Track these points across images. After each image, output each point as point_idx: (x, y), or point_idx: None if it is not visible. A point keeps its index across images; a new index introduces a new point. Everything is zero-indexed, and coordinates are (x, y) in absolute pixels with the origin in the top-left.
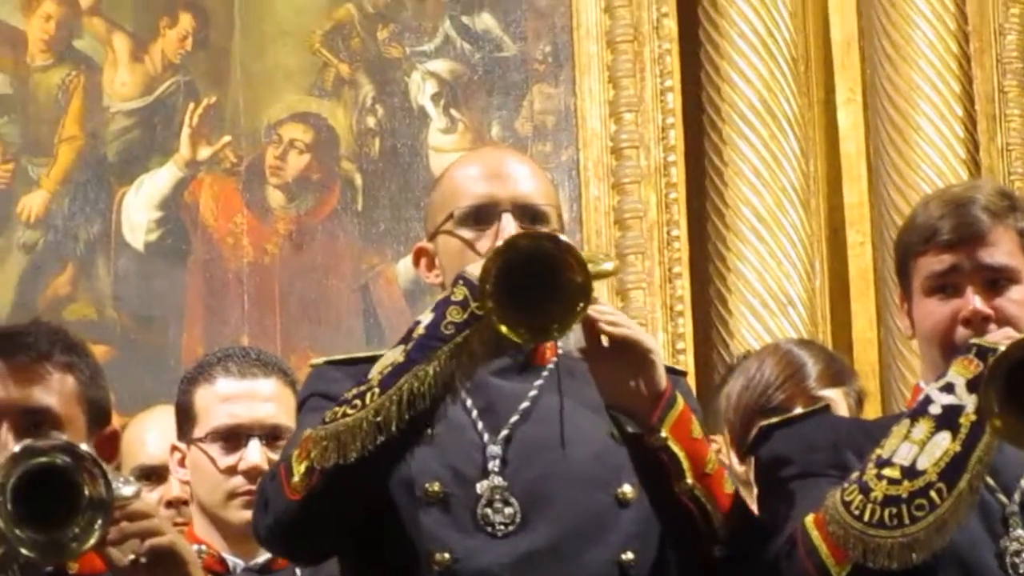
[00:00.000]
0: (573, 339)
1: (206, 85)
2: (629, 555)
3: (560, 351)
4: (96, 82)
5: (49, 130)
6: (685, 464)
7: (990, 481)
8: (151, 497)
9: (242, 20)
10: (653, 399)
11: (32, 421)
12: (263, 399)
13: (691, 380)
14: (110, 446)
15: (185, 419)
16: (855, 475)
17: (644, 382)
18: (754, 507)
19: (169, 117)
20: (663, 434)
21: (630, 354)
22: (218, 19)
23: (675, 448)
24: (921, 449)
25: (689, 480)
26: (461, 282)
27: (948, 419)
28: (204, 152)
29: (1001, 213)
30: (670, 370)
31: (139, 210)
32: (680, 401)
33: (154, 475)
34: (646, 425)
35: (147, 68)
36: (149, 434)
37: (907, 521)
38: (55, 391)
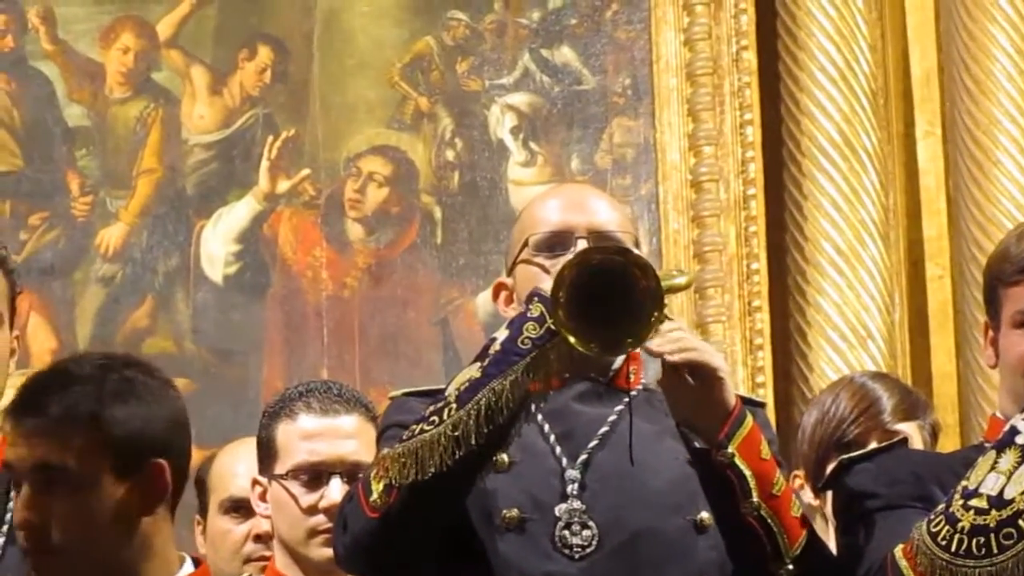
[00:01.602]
0: (654, 371)
1: (285, 118)
2: None
3: (643, 381)
4: (174, 115)
5: (127, 163)
6: (752, 483)
7: None
8: (240, 530)
9: (321, 53)
10: (722, 416)
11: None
12: (345, 436)
13: (771, 414)
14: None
15: (266, 454)
16: (941, 507)
17: (713, 399)
18: (828, 541)
19: (247, 150)
20: (730, 450)
21: (697, 374)
22: (297, 52)
23: (742, 466)
24: (1008, 479)
25: (755, 499)
26: (536, 299)
27: None
28: (283, 185)
29: None
30: (748, 401)
31: (217, 243)
32: (749, 420)
33: (243, 508)
34: (714, 441)
35: (225, 101)
36: (240, 466)
37: (995, 551)
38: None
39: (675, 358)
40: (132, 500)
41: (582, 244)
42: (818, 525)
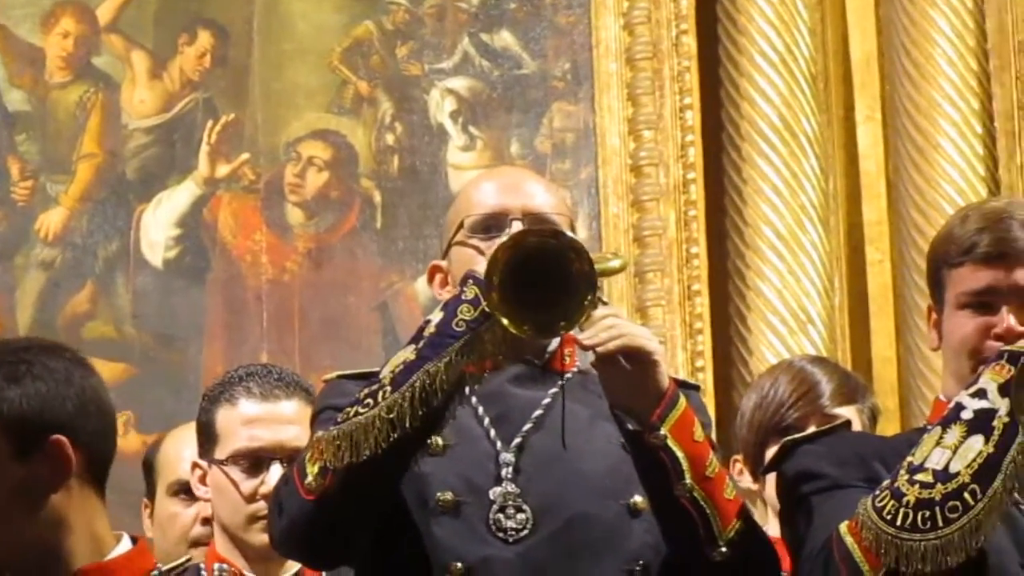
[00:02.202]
0: (591, 355)
1: (225, 103)
2: (640, 564)
3: (578, 363)
4: (115, 99)
5: (68, 148)
6: (685, 464)
7: (1015, 495)
8: (188, 513)
9: (261, 38)
10: (655, 399)
11: None
12: (285, 421)
13: (710, 398)
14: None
15: (207, 438)
16: (887, 482)
17: (646, 382)
18: (766, 525)
19: (188, 135)
20: (663, 432)
21: (631, 358)
22: (237, 36)
23: (675, 447)
24: (954, 453)
25: (688, 481)
26: (471, 281)
27: (981, 423)
28: (223, 170)
29: None
30: (682, 383)
31: (158, 228)
32: (683, 402)
33: (191, 491)
34: (647, 423)
35: (166, 85)
36: (187, 450)
37: (941, 523)
38: None
39: (606, 347)
40: (36, 478)
41: (517, 226)
42: (757, 509)
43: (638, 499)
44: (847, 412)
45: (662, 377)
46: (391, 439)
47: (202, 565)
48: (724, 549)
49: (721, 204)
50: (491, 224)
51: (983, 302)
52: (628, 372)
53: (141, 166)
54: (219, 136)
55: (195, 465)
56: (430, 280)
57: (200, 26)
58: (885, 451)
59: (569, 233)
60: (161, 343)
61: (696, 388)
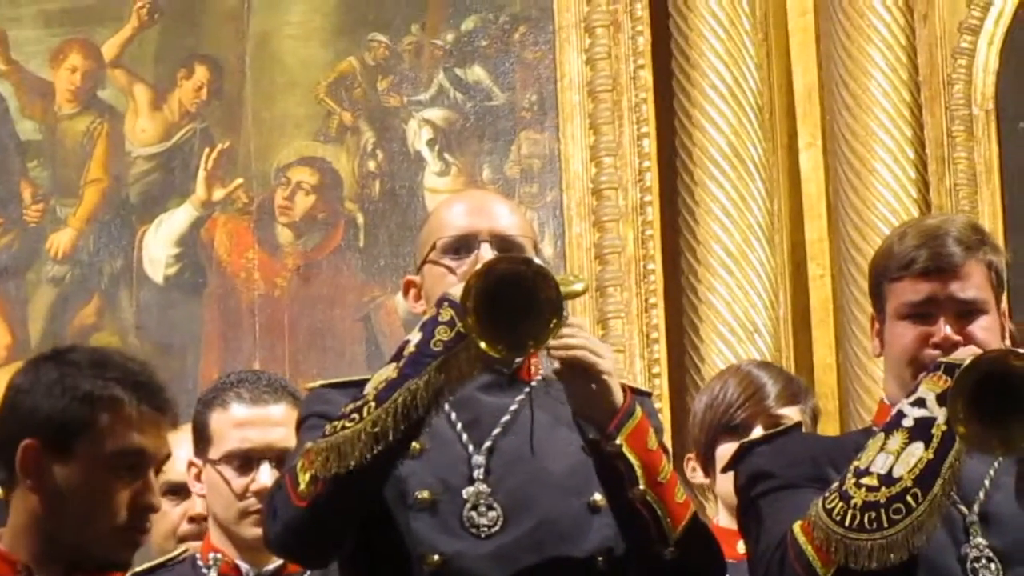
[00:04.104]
0: (552, 362)
1: (220, 132)
2: (601, 557)
3: (543, 370)
4: (119, 129)
5: (76, 173)
6: (639, 471)
7: (953, 496)
8: (176, 511)
9: (253, 72)
10: (611, 411)
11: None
12: (274, 424)
13: (665, 401)
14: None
15: (201, 439)
16: (835, 485)
17: (601, 396)
18: (720, 518)
19: (186, 161)
20: (619, 442)
21: (586, 372)
22: (231, 71)
23: (630, 456)
24: (896, 458)
25: (642, 486)
26: (447, 303)
27: (921, 431)
28: (218, 193)
29: (973, 246)
30: (636, 391)
31: (159, 247)
32: (638, 413)
33: (180, 491)
34: (604, 433)
35: (166, 116)
36: (178, 451)
37: (886, 524)
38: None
39: (562, 354)
40: None
41: (485, 247)
42: (708, 502)
43: (598, 497)
44: (791, 412)
45: (614, 392)
46: (375, 450)
47: (198, 555)
48: (673, 548)
49: (675, 224)
50: (461, 245)
51: (921, 313)
52: (586, 385)
53: (143, 190)
54: (215, 162)
55: (191, 464)
56: (405, 294)
57: (197, 61)
58: (834, 452)
59: (537, 260)
60: (161, 352)
61: (648, 395)
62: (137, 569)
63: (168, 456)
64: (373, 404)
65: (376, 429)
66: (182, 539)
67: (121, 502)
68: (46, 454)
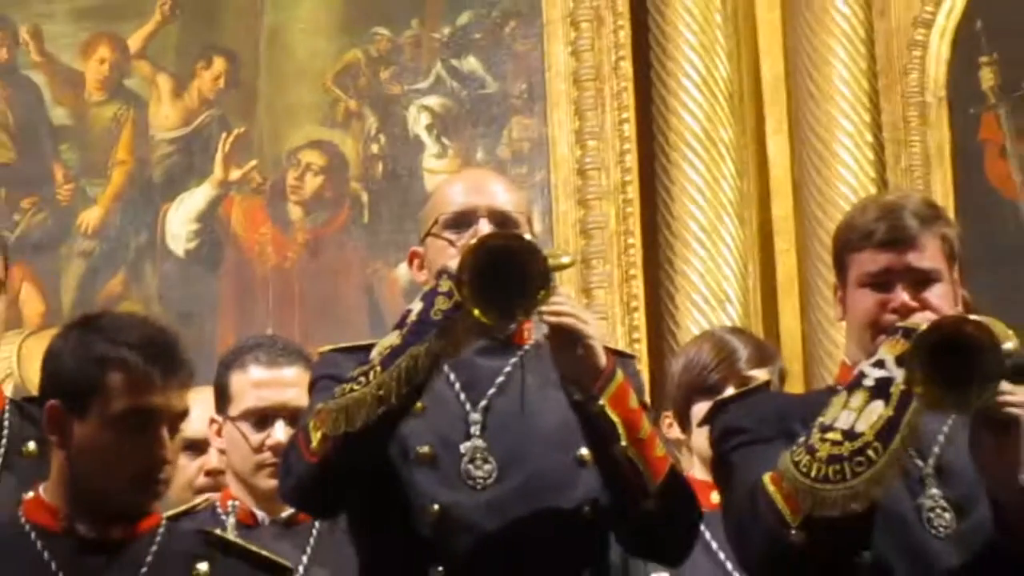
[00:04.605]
0: (543, 328)
1: (236, 118)
2: (587, 507)
3: (535, 336)
4: (143, 115)
5: (104, 156)
6: (621, 429)
7: (910, 450)
8: (193, 465)
9: (266, 63)
10: (594, 374)
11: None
12: (288, 385)
13: (644, 364)
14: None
15: (221, 397)
16: (802, 439)
17: (586, 360)
18: (695, 471)
19: (205, 145)
20: (601, 402)
21: (573, 337)
22: (246, 62)
23: (612, 415)
24: (859, 415)
25: (624, 443)
26: (445, 275)
27: (881, 390)
28: (235, 174)
29: (928, 220)
30: (620, 353)
31: (180, 223)
32: (619, 376)
33: (196, 447)
34: (588, 395)
35: (186, 103)
36: (194, 411)
37: (849, 476)
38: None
39: (551, 319)
40: None
41: (483, 223)
42: (683, 456)
43: (584, 452)
44: (760, 374)
45: (598, 357)
46: (380, 411)
47: (218, 503)
48: (653, 499)
49: (653, 202)
50: (461, 221)
51: (881, 281)
52: (572, 350)
53: (166, 171)
54: (231, 146)
55: (212, 420)
56: (410, 263)
57: (215, 53)
58: (800, 409)
59: (528, 236)
60: (182, 320)
61: (632, 357)
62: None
63: (185, 413)
64: (379, 369)
65: (381, 392)
66: (199, 491)
67: (135, 457)
68: (67, 413)
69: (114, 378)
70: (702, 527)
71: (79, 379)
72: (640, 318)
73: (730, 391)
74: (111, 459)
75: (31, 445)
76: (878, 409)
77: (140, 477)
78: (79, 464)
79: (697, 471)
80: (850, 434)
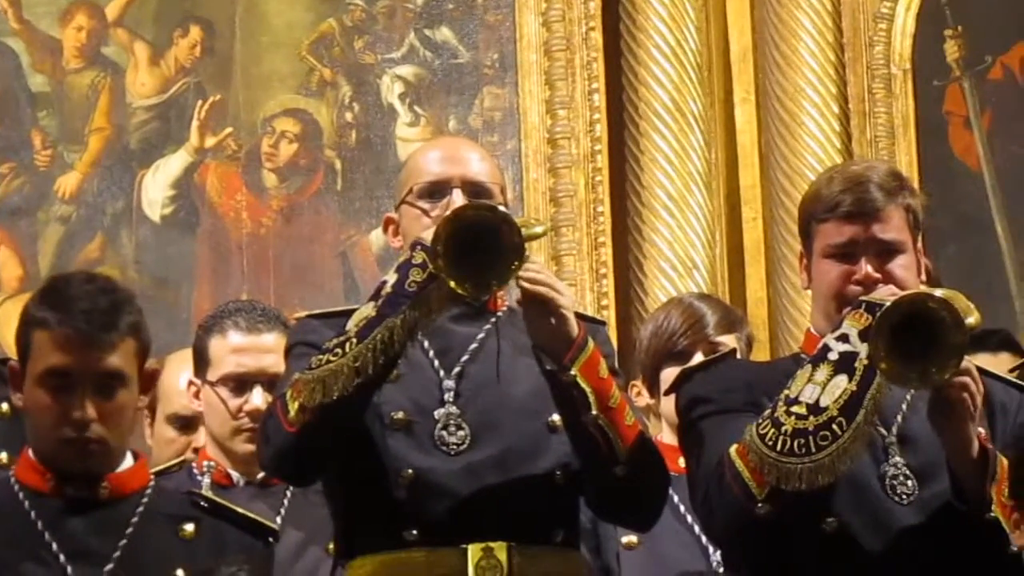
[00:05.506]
0: (516, 293)
1: (212, 86)
2: (559, 472)
3: (508, 301)
4: (120, 83)
5: (81, 122)
6: (592, 398)
7: (875, 422)
8: (182, 440)
9: (242, 32)
10: (566, 343)
11: (106, 382)
12: (267, 351)
13: (613, 330)
14: (150, 382)
15: (200, 361)
16: (768, 412)
17: (558, 330)
18: (663, 435)
19: (181, 112)
20: (573, 372)
21: (546, 307)
22: (222, 31)
23: (583, 384)
24: (823, 389)
25: (594, 411)
26: (419, 247)
27: (845, 364)
28: (210, 141)
29: (893, 192)
30: (591, 319)
31: (156, 189)
32: (591, 345)
33: (188, 424)
34: (560, 364)
35: (163, 71)
36: (183, 381)
37: (814, 450)
38: (122, 355)
39: (527, 287)
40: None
41: (457, 193)
42: (652, 422)
43: (555, 418)
44: (728, 340)
45: (571, 327)
46: (356, 382)
47: (194, 464)
48: (623, 465)
49: (622, 171)
50: (435, 190)
51: (845, 253)
52: (546, 319)
53: (142, 138)
54: (207, 113)
55: (191, 383)
56: (385, 229)
57: (192, 22)
58: (766, 377)
59: (501, 208)
60: (158, 285)
61: (603, 324)
62: None
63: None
64: (355, 340)
65: (357, 363)
66: None
67: (61, 417)
68: (22, 375)
69: (37, 338)
70: (671, 491)
71: (19, 340)
72: (609, 285)
73: (698, 357)
74: (42, 419)
75: (3, 406)
76: (842, 383)
77: (68, 438)
78: (27, 424)
79: (666, 436)
80: (815, 408)
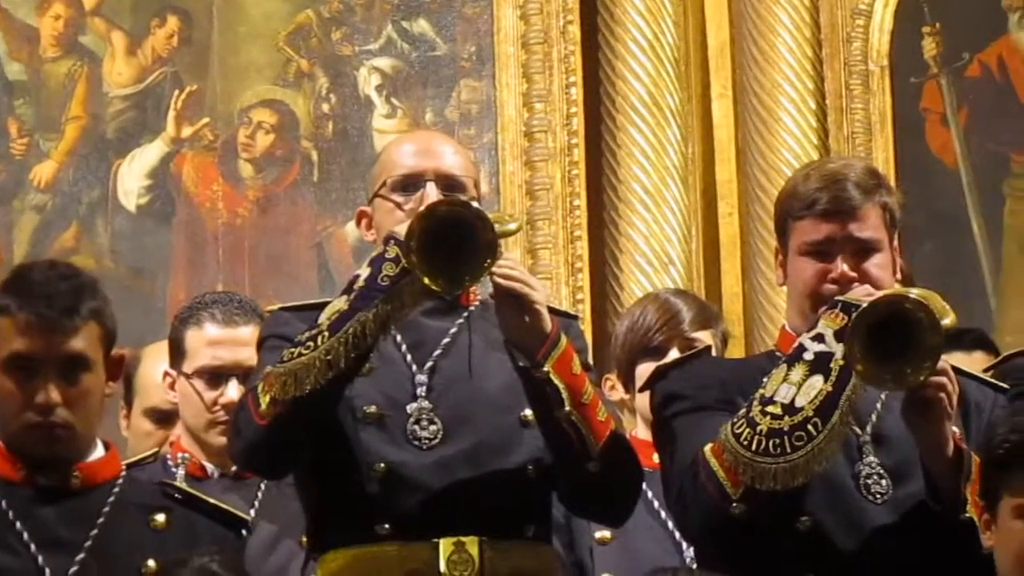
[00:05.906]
0: (489, 287)
1: (189, 76)
2: (531, 466)
3: (480, 297)
4: (97, 72)
5: (58, 111)
6: (565, 394)
7: (850, 422)
8: (159, 434)
9: (220, 22)
10: (540, 339)
11: (70, 367)
12: (243, 344)
13: (588, 325)
14: (117, 368)
15: (176, 352)
16: (743, 411)
17: (532, 326)
18: (638, 431)
19: (158, 102)
20: (546, 368)
21: (520, 303)
22: (200, 21)
23: (556, 380)
24: (798, 390)
25: (567, 407)
26: (392, 241)
27: (820, 364)
28: (187, 131)
29: (870, 190)
30: (563, 314)
31: (132, 179)
32: (564, 341)
33: (166, 418)
34: (533, 360)
35: (140, 61)
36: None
37: (789, 450)
38: (84, 339)
39: (501, 283)
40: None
41: (430, 186)
42: (626, 417)
43: (528, 413)
44: (704, 336)
45: (544, 323)
46: (328, 376)
47: (168, 455)
48: (595, 461)
49: (599, 165)
50: (408, 184)
51: (821, 251)
52: (519, 315)
53: (119, 127)
54: (184, 103)
55: (166, 374)
56: (358, 223)
57: (169, 12)
58: (741, 375)
59: (475, 204)
60: (134, 274)
61: (576, 318)
62: None
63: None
64: (327, 334)
65: (329, 357)
66: None
67: (24, 402)
68: None
69: (1, 325)
70: (644, 486)
71: None
72: (584, 279)
73: (674, 353)
74: (8, 406)
75: None
76: (817, 384)
77: (33, 423)
78: None
79: (640, 431)
80: (790, 408)
